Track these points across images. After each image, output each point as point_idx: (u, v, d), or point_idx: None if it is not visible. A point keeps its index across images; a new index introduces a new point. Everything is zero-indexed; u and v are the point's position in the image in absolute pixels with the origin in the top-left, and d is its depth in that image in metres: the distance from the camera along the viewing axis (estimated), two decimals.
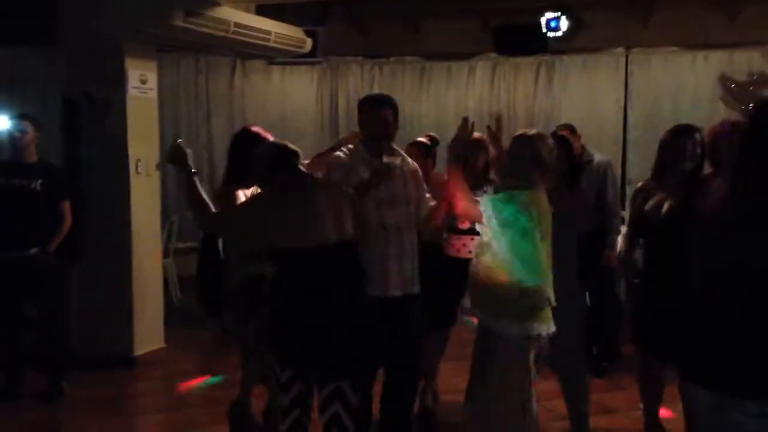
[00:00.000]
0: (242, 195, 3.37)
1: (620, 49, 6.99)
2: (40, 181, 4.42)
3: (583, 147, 4.91)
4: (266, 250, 2.95)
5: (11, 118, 4.43)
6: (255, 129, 3.66)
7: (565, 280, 3.19)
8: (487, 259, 2.99)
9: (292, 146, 2.93)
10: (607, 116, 6.93)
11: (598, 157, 4.95)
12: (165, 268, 6.18)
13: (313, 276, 2.72)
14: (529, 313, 2.94)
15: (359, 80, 7.66)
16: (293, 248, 2.73)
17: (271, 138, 3.55)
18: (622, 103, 6.99)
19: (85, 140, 5.24)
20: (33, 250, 4.37)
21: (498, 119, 3.25)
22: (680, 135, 3.38)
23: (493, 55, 7.34)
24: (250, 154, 3.06)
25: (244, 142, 3.56)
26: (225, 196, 3.41)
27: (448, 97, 7.45)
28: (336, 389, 2.77)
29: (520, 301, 2.94)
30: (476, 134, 4.02)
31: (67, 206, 4.54)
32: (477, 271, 3.04)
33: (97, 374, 4.86)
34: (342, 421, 2.79)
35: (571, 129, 4.90)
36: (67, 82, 5.34)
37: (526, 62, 7.26)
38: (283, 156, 2.88)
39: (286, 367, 2.79)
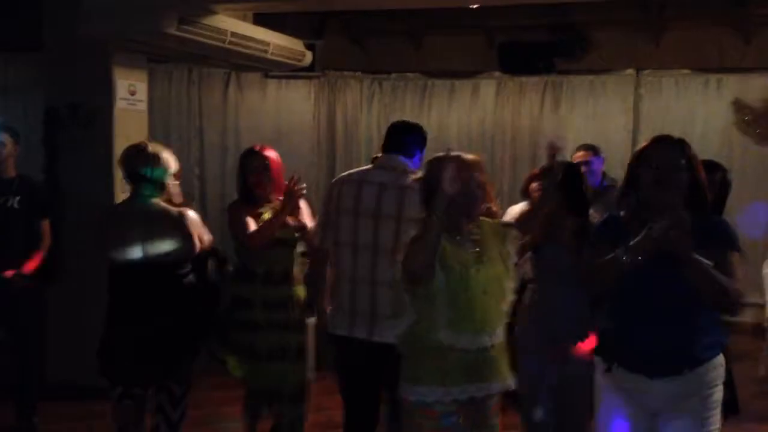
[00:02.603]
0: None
1: (630, 71, 6.77)
2: (18, 198, 4.11)
3: (603, 173, 4.66)
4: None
5: None
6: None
7: None
8: None
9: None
10: (615, 140, 6.67)
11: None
12: None
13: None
14: None
15: (358, 96, 7.39)
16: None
17: (273, 154, 3.65)
18: (631, 126, 6.76)
19: (67, 154, 4.93)
20: (8, 273, 4.04)
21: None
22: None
23: (497, 73, 7.10)
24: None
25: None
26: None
27: (450, 116, 7.20)
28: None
29: None
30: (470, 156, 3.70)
31: (46, 225, 4.23)
32: None
33: (72, 406, 4.53)
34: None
35: (594, 150, 4.63)
36: (50, 92, 5.04)
37: (532, 82, 7.02)
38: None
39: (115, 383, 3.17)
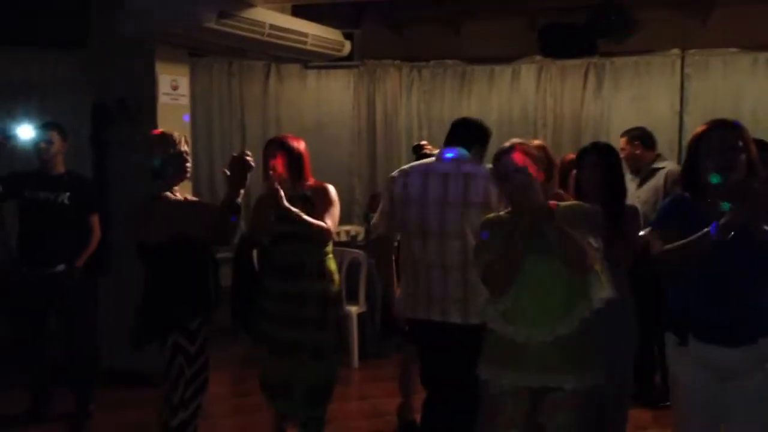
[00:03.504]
0: None
1: (676, 51, 6.59)
2: (67, 194, 4.21)
3: (657, 155, 4.73)
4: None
5: (37, 127, 4.20)
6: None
7: None
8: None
9: None
10: (662, 122, 6.51)
11: (671, 166, 4.63)
12: None
13: None
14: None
15: (397, 84, 7.37)
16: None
17: (300, 145, 3.51)
18: (678, 108, 6.59)
19: (114, 149, 5.03)
20: (60, 267, 4.17)
21: None
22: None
23: (538, 57, 6.98)
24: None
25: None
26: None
27: (491, 103, 7.11)
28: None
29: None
30: (536, 141, 3.77)
31: (95, 219, 4.34)
32: None
33: (126, 393, 4.65)
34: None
35: (642, 137, 4.71)
36: (96, 89, 5.14)
37: (574, 65, 6.89)
38: None
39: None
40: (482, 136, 3.37)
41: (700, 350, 2.55)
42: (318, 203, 3.44)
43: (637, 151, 4.70)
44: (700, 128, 2.59)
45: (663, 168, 4.61)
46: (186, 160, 3.24)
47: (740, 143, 2.48)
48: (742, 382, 2.51)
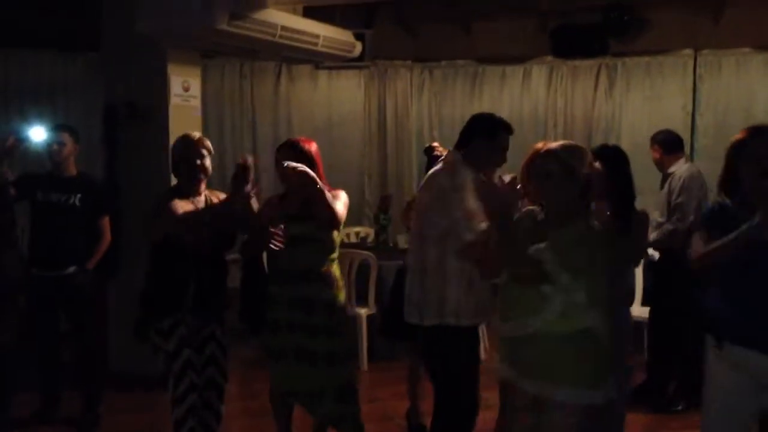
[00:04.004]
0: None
1: (688, 51, 6.55)
2: (79, 195, 4.23)
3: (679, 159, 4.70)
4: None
5: (49, 129, 4.23)
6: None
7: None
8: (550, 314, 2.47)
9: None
10: (674, 123, 6.41)
11: (679, 170, 4.59)
12: None
13: None
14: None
15: (408, 85, 7.36)
16: None
17: (312, 147, 3.46)
18: (690, 108, 6.55)
19: (125, 151, 5.05)
20: (71, 269, 4.19)
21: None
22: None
23: (549, 57, 6.96)
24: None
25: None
26: None
27: (502, 103, 7.09)
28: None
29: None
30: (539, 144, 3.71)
31: (106, 222, 4.36)
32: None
33: (136, 396, 4.67)
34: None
35: (662, 141, 4.71)
36: (108, 90, 5.17)
37: (586, 65, 6.87)
38: None
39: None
40: (479, 129, 3.19)
41: (735, 354, 2.56)
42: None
43: (657, 155, 4.69)
44: (739, 135, 2.61)
45: (673, 173, 4.58)
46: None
47: None
48: None
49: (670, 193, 4.51)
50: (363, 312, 5.34)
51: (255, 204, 3.45)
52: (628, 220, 3.16)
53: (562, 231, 2.43)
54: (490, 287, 3.03)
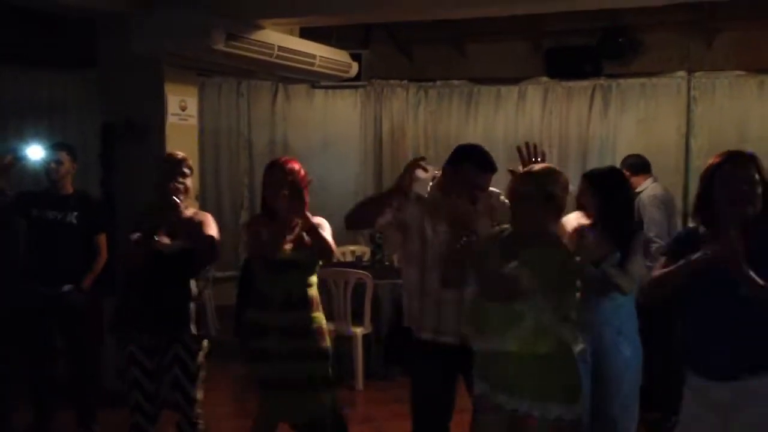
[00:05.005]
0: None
1: (681, 73, 6.61)
2: (75, 213, 4.24)
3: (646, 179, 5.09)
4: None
5: (47, 147, 4.24)
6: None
7: None
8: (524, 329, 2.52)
9: None
10: (668, 144, 6.54)
11: (646, 191, 4.96)
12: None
13: None
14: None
15: (404, 104, 7.41)
16: None
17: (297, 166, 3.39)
18: (684, 130, 6.60)
19: (122, 169, 5.07)
20: (67, 287, 4.18)
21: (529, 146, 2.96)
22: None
23: (544, 78, 7.02)
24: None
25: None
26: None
27: (497, 123, 7.15)
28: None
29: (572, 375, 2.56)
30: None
31: (102, 240, 4.36)
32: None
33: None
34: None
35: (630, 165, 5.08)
36: (105, 108, 5.19)
37: (580, 86, 6.93)
38: None
39: None
40: (450, 156, 3.15)
41: (698, 384, 2.52)
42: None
43: None
44: (714, 159, 2.54)
45: (639, 193, 4.87)
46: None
47: (756, 176, 2.44)
48: (739, 419, 2.45)
49: (638, 212, 4.76)
50: (359, 331, 5.34)
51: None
52: (621, 237, 3.17)
53: (534, 250, 2.49)
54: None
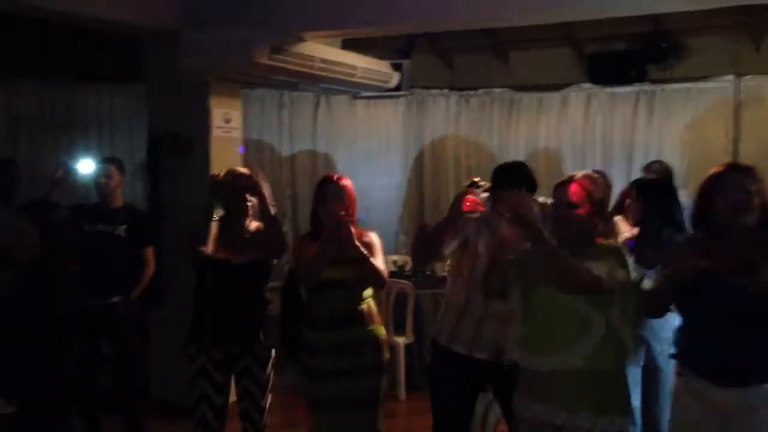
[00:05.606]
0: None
1: (729, 77, 6.47)
2: (124, 226, 4.34)
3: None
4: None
5: (97, 162, 4.35)
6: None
7: None
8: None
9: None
10: (715, 150, 6.38)
11: None
12: None
13: None
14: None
15: (445, 113, 7.39)
16: None
17: (347, 182, 3.38)
18: (732, 135, 6.45)
19: (168, 181, 5.16)
20: (115, 299, 4.27)
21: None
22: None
23: (587, 85, 6.93)
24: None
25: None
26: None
27: (539, 131, 7.07)
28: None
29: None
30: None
31: (150, 252, 4.45)
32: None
33: (177, 424, 4.68)
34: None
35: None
36: (152, 122, 5.30)
37: (624, 92, 6.82)
38: None
39: None
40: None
41: (699, 386, 2.57)
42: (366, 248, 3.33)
43: None
44: (716, 169, 2.67)
45: None
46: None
47: (754, 187, 2.56)
48: (742, 423, 2.50)
49: None
50: (401, 341, 5.34)
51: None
52: (658, 243, 3.17)
53: (588, 249, 2.58)
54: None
